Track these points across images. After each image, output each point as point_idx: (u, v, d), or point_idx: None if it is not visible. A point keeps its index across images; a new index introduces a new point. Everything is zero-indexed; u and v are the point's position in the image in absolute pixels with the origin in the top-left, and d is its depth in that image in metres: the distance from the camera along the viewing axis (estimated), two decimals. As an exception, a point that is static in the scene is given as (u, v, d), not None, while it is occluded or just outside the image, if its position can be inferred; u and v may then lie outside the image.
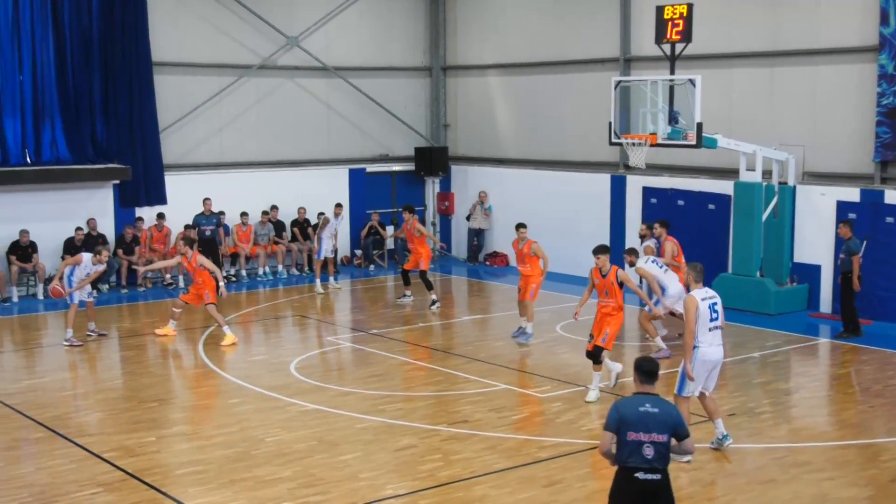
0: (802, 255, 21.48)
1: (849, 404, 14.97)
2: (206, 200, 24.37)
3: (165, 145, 24.98)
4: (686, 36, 20.05)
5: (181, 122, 25.34)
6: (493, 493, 11.21)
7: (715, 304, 12.27)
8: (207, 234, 24.09)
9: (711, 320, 12.18)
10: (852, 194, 20.63)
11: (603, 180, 25.02)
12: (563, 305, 21.21)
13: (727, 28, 22.65)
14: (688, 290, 12.58)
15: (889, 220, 20.00)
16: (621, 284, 14.76)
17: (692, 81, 19.41)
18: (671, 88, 19.86)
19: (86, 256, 18.74)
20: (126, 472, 11.99)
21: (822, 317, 20.74)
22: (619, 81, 20.94)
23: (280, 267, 25.83)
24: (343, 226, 26.78)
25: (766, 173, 21.26)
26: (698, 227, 22.74)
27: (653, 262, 17.84)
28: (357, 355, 18.13)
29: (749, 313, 20.52)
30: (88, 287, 19.03)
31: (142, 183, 24.46)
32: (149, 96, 24.45)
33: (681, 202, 23.25)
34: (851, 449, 12.89)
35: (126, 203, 24.40)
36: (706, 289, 12.45)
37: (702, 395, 12.43)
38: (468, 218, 28.13)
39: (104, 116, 24.07)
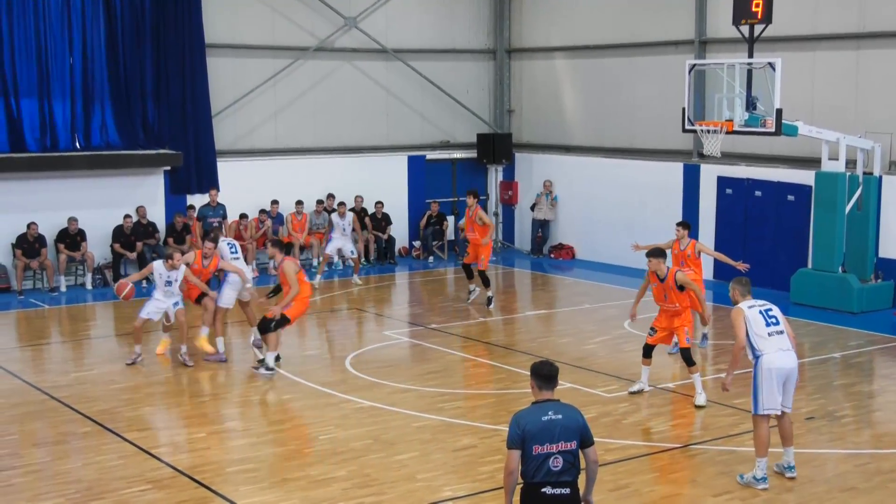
0: (888, 249, 20.89)
1: (937, 409, 14.52)
2: (211, 191, 23.73)
3: (218, 131, 24.63)
4: (766, 17, 19.37)
5: (235, 107, 24.99)
6: None
7: (769, 309, 11.33)
8: (213, 226, 23.13)
9: (768, 325, 11.20)
10: None
11: (675, 169, 24.46)
12: (632, 301, 20.62)
13: (810, 8, 22.03)
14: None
15: None
16: (681, 287, 14.24)
17: (772, 65, 18.86)
18: (749, 72, 19.34)
19: (156, 265, 16.54)
20: (176, 468, 11.89)
21: None
22: (694, 65, 20.50)
23: (335, 258, 25.21)
24: (401, 216, 26.42)
25: (850, 163, 20.60)
26: (776, 220, 22.39)
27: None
28: (415, 351, 17.90)
29: (830, 311, 20.09)
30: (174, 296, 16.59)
31: (193, 169, 24.14)
32: (201, 79, 24.12)
33: (758, 193, 22.72)
34: None
35: (176, 190, 24.10)
36: (754, 300, 11.52)
37: (781, 415, 11.31)
38: (532, 208, 27.52)
39: (155, 100, 23.79)
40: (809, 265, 21.20)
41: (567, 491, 7.86)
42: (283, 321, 15.53)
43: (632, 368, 16.05)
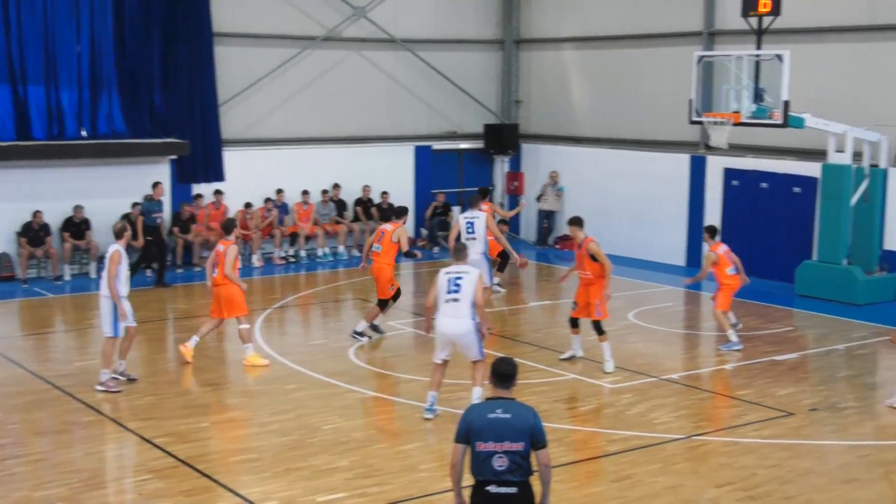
0: (893, 242, 20.92)
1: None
2: (156, 185, 22.56)
3: (225, 120, 24.56)
4: (775, 8, 19.43)
5: (242, 96, 24.90)
6: (560, 488, 10.67)
7: None
8: (158, 223, 22.23)
9: None
10: None
11: (682, 161, 24.42)
12: (637, 292, 20.96)
13: (819, 0, 21.93)
14: None
15: None
16: (593, 257, 15.20)
17: (780, 57, 18.84)
18: (757, 64, 19.38)
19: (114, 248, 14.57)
20: (178, 458, 11.82)
21: None
22: (702, 56, 20.48)
23: (341, 248, 25.32)
24: (408, 206, 26.22)
25: (857, 155, 20.61)
26: (783, 212, 22.36)
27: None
28: (419, 341, 17.70)
29: (835, 303, 20.12)
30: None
31: (200, 158, 24.05)
32: (209, 68, 24.06)
33: (764, 185, 22.72)
34: None
35: (183, 179, 24.02)
36: None
37: None
38: (539, 199, 27.46)
39: (162, 89, 23.71)
40: (815, 257, 21.16)
41: (514, 490, 7.63)
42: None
43: (636, 360, 16.17)
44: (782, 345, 17.12)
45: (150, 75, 23.44)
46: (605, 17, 26.42)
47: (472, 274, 12.59)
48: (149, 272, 21.89)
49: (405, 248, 16.88)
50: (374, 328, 17.27)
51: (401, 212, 17.40)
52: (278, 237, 24.40)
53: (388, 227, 17.02)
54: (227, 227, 15.90)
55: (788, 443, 12.37)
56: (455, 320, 12.54)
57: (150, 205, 21.99)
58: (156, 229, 21.78)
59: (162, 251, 22.02)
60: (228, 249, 15.41)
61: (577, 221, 15.59)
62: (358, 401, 14.06)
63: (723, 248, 16.80)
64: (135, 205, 22.33)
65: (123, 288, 14.17)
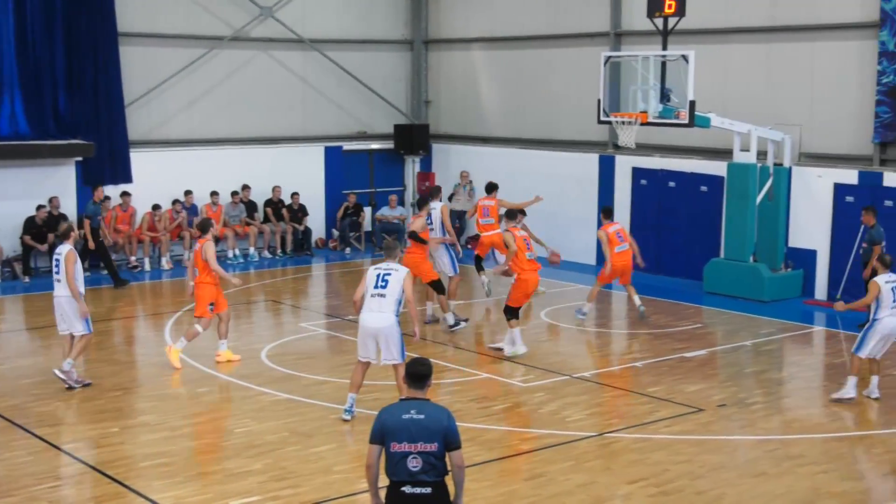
0: (798, 239, 21.16)
1: (843, 395, 14.75)
2: (97, 188, 22.41)
3: (131, 121, 24.17)
4: (680, 9, 19.65)
5: (148, 97, 24.54)
6: (474, 487, 10.69)
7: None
8: (99, 224, 22.22)
9: (894, 301, 13.71)
10: (850, 176, 20.35)
11: (591, 160, 24.60)
12: (549, 291, 21.10)
13: (723, 2, 22.20)
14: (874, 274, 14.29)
15: (888, 203, 19.63)
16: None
17: (685, 57, 18.99)
18: (663, 65, 19.48)
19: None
20: (87, 464, 11.70)
21: (818, 304, 20.41)
22: (609, 57, 20.52)
23: (251, 249, 25.13)
24: (318, 207, 26.30)
25: (762, 154, 20.92)
26: (690, 210, 22.60)
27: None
28: (332, 342, 17.78)
29: (741, 300, 20.39)
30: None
31: (106, 160, 23.60)
32: (114, 69, 23.65)
33: (672, 184, 22.95)
34: (845, 441, 12.74)
35: (89, 181, 23.41)
36: (891, 273, 13.91)
37: (872, 360, 14.04)
38: (450, 199, 27.43)
39: (67, 89, 23.23)
40: (722, 255, 21.40)
41: (428, 490, 7.65)
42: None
43: (548, 358, 16.26)
44: (691, 342, 17.33)
45: (54, 76, 22.99)
46: (514, 17, 26.48)
47: (400, 272, 12.70)
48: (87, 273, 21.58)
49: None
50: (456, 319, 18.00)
51: (422, 203, 18.42)
52: (188, 239, 24.04)
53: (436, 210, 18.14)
54: (203, 226, 15.85)
55: (698, 438, 12.53)
56: (378, 314, 12.62)
57: (95, 207, 21.87)
58: (94, 231, 21.73)
59: (101, 252, 21.81)
60: (204, 247, 15.36)
61: (510, 216, 16.66)
62: (270, 403, 13.94)
63: (612, 228, 18.55)
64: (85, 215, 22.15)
65: (81, 287, 14.33)
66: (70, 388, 14.38)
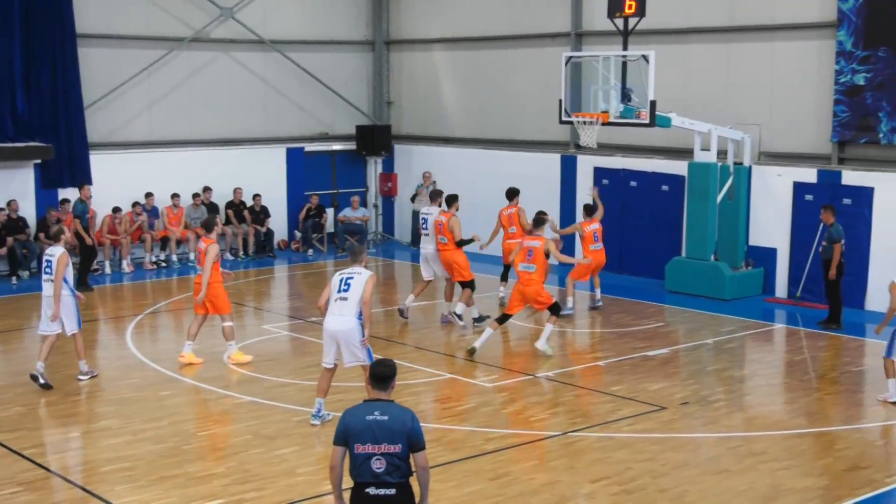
0: (758, 238, 21.34)
1: (804, 392, 14.85)
2: (83, 186, 22.42)
3: (91, 123, 24.00)
4: (640, 10, 19.73)
5: (108, 99, 24.38)
6: (438, 487, 10.74)
7: None
8: (86, 222, 22.14)
9: None
10: (809, 175, 20.53)
11: (553, 160, 24.68)
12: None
13: (683, 2, 22.32)
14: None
15: (846, 201, 19.82)
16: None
17: (645, 58, 19.08)
18: (624, 65, 19.57)
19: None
20: (48, 469, 11.69)
21: (778, 302, 20.58)
22: (570, 57, 20.61)
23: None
24: (280, 208, 26.21)
25: (722, 153, 21.08)
26: (651, 209, 22.73)
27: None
28: (295, 344, 17.73)
29: (703, 298, 20.55)
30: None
31: (65, 162, 23.45)
32: (73, 70, 23.47)
33: (633, 183, 23.08)
34: (807, 438, 12.88)
35: (48, 184, 23.39)
36: None
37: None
38: (413, 199, 27.44)
39: (25, 91, 23.04)
40: (683, 253, 21.56)
41: (392, 491, 7.66)
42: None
43: (511, 357, 16.41)
44: (653, 340, 17.44)
45: (12, 77, 22.80)
46: (475, 17, 26.50)
47: (363, 275, 12.72)
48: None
49: (458, 236, 17.94)
50: (480, 317, 18.38)
51: (451, 200, 18.30)
52: (149, 242, 23.95)
53: (442, 218, 18.04)
54: (207, 224, 15.88)
55: (661, 436, 12.60)
56: (339, 318, 12.61)
57: (83, 206, 21.73)
58: (85, 230, 21.66)
59: (86, 250, 21.73)
60: (209, 248, 15.39)
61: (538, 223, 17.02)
62: (233, 406, 13.91)
63: (591, 227, 19.24)
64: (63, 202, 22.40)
65: (70, 289, 14.51)
66: (93, 376, 15.00)
